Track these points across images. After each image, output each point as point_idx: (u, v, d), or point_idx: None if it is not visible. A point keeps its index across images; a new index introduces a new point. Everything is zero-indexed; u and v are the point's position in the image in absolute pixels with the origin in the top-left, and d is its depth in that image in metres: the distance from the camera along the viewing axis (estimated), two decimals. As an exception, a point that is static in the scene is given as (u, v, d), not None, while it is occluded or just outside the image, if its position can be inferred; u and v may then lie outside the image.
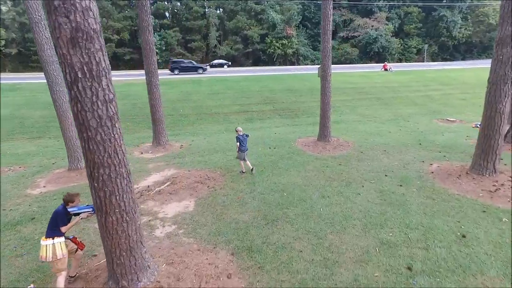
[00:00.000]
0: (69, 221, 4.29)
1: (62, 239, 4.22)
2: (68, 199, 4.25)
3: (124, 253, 4.10)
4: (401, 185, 7.78)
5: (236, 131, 8.78)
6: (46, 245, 4.11)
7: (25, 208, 7.04)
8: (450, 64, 48.83)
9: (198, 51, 52.12)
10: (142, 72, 12.13)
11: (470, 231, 5.74)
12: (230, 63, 48.06)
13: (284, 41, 51.54)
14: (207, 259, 5.13)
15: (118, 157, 3.76)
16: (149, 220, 6.47)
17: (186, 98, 21.74)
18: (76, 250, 4.58)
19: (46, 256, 4.09)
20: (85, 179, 8.82)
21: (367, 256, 5.14)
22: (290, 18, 51.69)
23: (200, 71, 36.73)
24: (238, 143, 8.66)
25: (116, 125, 3.67)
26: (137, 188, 8.11)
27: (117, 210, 3.90)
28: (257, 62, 53.92)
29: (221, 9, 55.50)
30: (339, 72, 33.89)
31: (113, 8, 46.33)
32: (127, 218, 4.01)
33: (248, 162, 8.94)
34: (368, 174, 8.66)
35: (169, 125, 16.80)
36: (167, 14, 53.28)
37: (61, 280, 4.21)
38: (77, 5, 3.11)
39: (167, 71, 35.34)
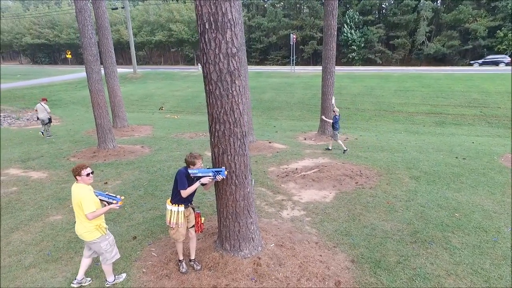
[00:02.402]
0: (190, 185, 3.77)
1: (181, 208, 3.83)
2: (190, 161, 3.75)
3: (230, 216, 4.06)
4: None
5: (334, 112, 9.62)
6: (167, 210, 3.89)
7: (197, 164, 8.43)
8: None
9: (401, 48, 47.57)
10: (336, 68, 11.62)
11: None
12: None
13: (527, 34, 39.12)
14: (320, 255, 4.43)
15: (234, 115, 3.67)
16: (282, 200, 6.32)
17: (369, 93, 20.24)
18: (192, 227, 4.04)
19: (167, 220, 3.91)
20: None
21: None
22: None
23: None
24: (333, 122, 9.49)
25: (236, 82, 3.58)
26: (286, 168, 8.14)
27: (228, 171, 3.86)
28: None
29: (438, 0, 48.21)
30: None
31: (321, 7, 48.96)
32: (236, 181, 3.91)
33: (339, 141, 9.64)
34: None
35: (343, 117, 16.17)
36: (374, 11, 51.42)
37: (178, 246, 4.03)
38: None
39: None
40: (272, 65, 50.15)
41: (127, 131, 13.33)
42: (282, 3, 54.17)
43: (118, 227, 5.38)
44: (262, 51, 53.73)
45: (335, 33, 10.80)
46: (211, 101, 3.65)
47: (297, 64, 45.93)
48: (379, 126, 14.63)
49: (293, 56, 32.32)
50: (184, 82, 28.43)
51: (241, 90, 3.66)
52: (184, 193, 3.73)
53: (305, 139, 11.60)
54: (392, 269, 4.16)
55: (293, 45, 29.06)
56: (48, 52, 67.30)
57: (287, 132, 13.17)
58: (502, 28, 40.48)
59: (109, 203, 3.67)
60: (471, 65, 37.73)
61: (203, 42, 3.45)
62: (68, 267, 4.30)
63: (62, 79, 32.82)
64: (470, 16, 42.43)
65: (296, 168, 8.05)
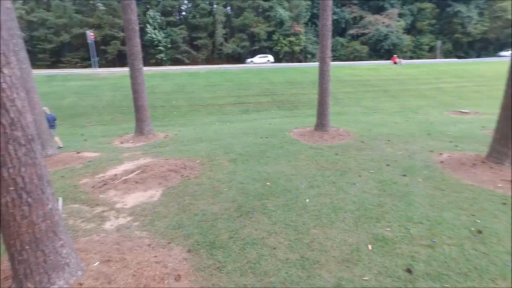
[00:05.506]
0: None
1: None
2: None
3: (27, 247, 3.15)
4: (404, 175, 6.68)
5: (44, 112, 9.62)
6: None
7: None
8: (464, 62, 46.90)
9: (204, 48, 51.50)
10: (145, 68, 11.04)
11: (487, 226, 4.62)
12: None
13: (291, 39, 50.44)
14: (155, 256, 4.15)
15: (10, 115, 2.81)
16: (103, 211, 5.54)
17: (181, 90, 20.96)
18: None
19: None
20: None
21: (356, 254, 4.10)
22: (299, 15, 50.60)
23: None
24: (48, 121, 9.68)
25: (5, 71, 2.72)
26: (103, 176, 7.21)
27: (12, 188, 2.95)
28: (263, 60, 52.93)
29: (228, 7, 54.79)
30: (346, 65, 32.70)
31: (119, 5, 46.07)
32: (29, 199, 3.05)
33: (56, 138, 10.13)
34: (368, 163, 7.57)
35: (159, 116, 16.11)
36: (174, 12, 52.85)
37: None
38: None
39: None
40: (70, 67, 43.37)
41: None
42: (70, -3, 47.26)
43: None
44: (54, 52, 45.43)
45: (137, 28, 10.33)
46: (-35, 98, 2.65)
47: (101, 66, 41.69)
48: (195, 120, 15.36)
49: (94, 57, 29.02)
50: None
51: (14, 81, 2.83)
52: None
53: (121, 142, 10.66)
54: (225, 246, 4.39)
55: (92, 44, 26.01)
56: None
57: (99, 139, 11.73)
58: (275, 33, 50.57)
59: None
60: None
61: None
62: None
63: None
64: (253, 21, 50.58)
65: (115, 174, 7.26)
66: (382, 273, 3.74)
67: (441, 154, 8.09)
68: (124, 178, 6.93)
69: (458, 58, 54.30)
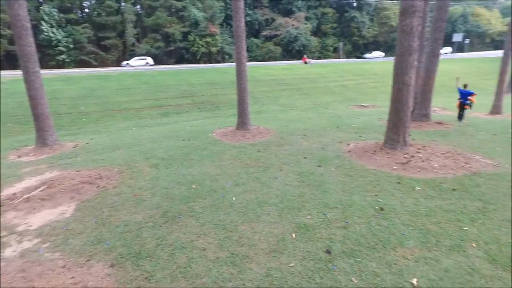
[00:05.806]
0: None
1: None
2: None
3: None
4: (319, 166, 7.32)
5: None
6: None
7: None
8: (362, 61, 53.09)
9: (114, 49, 47.85)
10: (44, 71, 9.46)
11: (387, 203, 5.38)
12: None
13: (208, 39, 50.30)
14: (72, 277, 3.77)
15: None
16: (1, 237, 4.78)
17: (90, 94, 19.16)
18: None
19: None
20: None
21: (282, 244, 4.35)
22: (213, 16, 50.68)
23: None
24: None
25: None
26: (-2, 197, 6.20)
27: None
28: (180, 61, 51.66)
29: (138, 5, 51.77)
30: (261, 65, 34.08)
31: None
32: None
33: None
34: (287, 157, 8.07)
35: (65, 124, 14.48)
36: (75, 9, 47.70)
37: None
38: None
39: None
40: None
41: None
42: None
43: None
44: None
45: (29, 25, 9.07)
46: None
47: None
48: (110, 126, 14.22)
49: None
50: None
51: None
52: None
53: (19, 156, 9.28)
54: (153, 254, 4.22)
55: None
56: None
57: (-12, 154, 10.00)
58: (191, 33, 49.82)
59: None
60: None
61: None
62: None
63: None
64: (166, 21, 48.91)
65: (14, 193, 6.31)
66: (305, 258, 4.05)
67: (348, 144, 9.07)
68: (26, 196, 6.08)
69: (357, 58, 61.29)
